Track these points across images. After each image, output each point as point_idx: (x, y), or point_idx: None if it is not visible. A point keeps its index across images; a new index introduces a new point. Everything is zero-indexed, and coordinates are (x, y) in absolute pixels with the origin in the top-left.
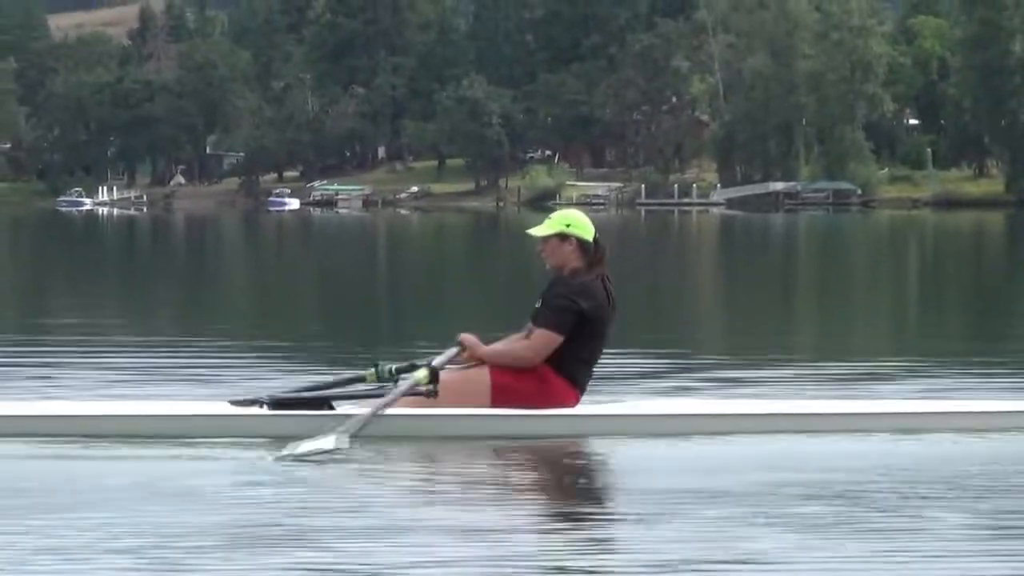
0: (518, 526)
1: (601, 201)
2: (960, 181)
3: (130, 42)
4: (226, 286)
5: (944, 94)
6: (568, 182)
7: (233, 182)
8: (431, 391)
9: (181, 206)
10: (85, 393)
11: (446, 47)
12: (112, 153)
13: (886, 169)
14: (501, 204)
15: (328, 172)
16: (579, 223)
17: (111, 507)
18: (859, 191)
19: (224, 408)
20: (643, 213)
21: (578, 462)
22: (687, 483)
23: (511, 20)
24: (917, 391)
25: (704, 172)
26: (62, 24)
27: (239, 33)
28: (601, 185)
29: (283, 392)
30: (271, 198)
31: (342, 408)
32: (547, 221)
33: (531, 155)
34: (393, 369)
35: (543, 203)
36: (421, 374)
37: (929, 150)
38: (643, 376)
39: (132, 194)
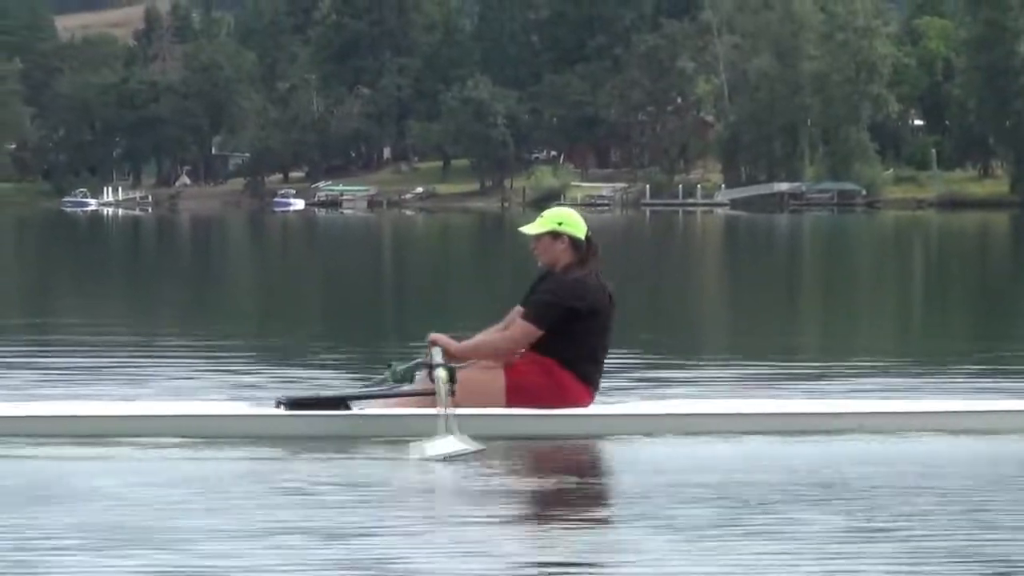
0: (514, 533)
1: (606, 202)
2: (965, 182)
3: (135, 43)
4: (232, 287)
5: (949, 95)
6: (573, 182)
7: (238, 183)
8: (451, 390)
9: (186, 207)
10: (94, 394)
11: (451, 48)
12: (117, 154)
13: (891, 170)
14: (506, 205)
15: (333, 173)
16: (571, 221)
17: (133, 508)
18: (864, 192)
19: (242, 408)
20: (648, 214)
21: (585, 461)
22: (695, 480)
23: (516, 21)
24: (919, 392)
25: (709, 173)
26: (69, 25)
27: (245, 34)
28: (606, 186)
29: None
30: (276, 199)
31: (359, 408)
32: (539, 219)
33: (536, 156)
34: (404, 369)
35: (548, 204)
36: (444, 374)
37: (934, 151)
38: (651, 377)
39: (137, 195)
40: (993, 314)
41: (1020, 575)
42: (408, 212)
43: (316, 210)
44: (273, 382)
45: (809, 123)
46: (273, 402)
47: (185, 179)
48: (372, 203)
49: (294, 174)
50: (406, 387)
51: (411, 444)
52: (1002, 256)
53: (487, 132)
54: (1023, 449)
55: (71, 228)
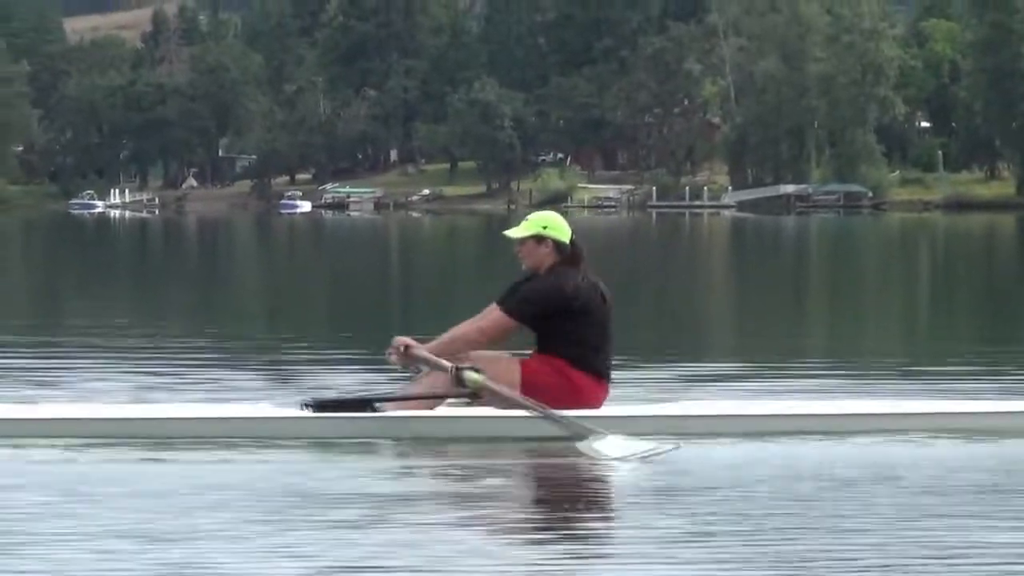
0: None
1: (612, 204)
2: (971, 184)
3: (143, 45)
4: (240, 290)
5: (955, 97)
6: (579, 184)
7: (245, 185)
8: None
9: (193, 209)
10: (113, 396)
11: (458, 50)
12: (124, 156)
13: (897, 172)
14: (513, 207)
15: (340, 175)
16: (556, 225)
17: (163, 509)
18: (870, 194)
19: (268, 410)
20: (654, 216)
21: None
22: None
23: (523, 23)
24: (928, 393)
25: (715, 175)
26: (77, 27)
27: (252, 36)
28: (612, 188)
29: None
30: (283, 201)
31: (386, 410)
32: (524, 223)
33: (543, 158)
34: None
35: (555, 206)
36: (479, 376)
37: (940, 153)
38: (660, 377)
39: (144, 197)
40: (1000, 316)
41: None
42: (415, 214)
43: (323, 212)
44: (288, 384)
45: (815, 125)
46: (298, 404)
47: (192, 181)
48: (379, 205)
49: (301, 176)
50: (414, 387)
51: (588, 445)
52: (1009, 258)
53: (494, 134)
54: None
55: (78, 230)
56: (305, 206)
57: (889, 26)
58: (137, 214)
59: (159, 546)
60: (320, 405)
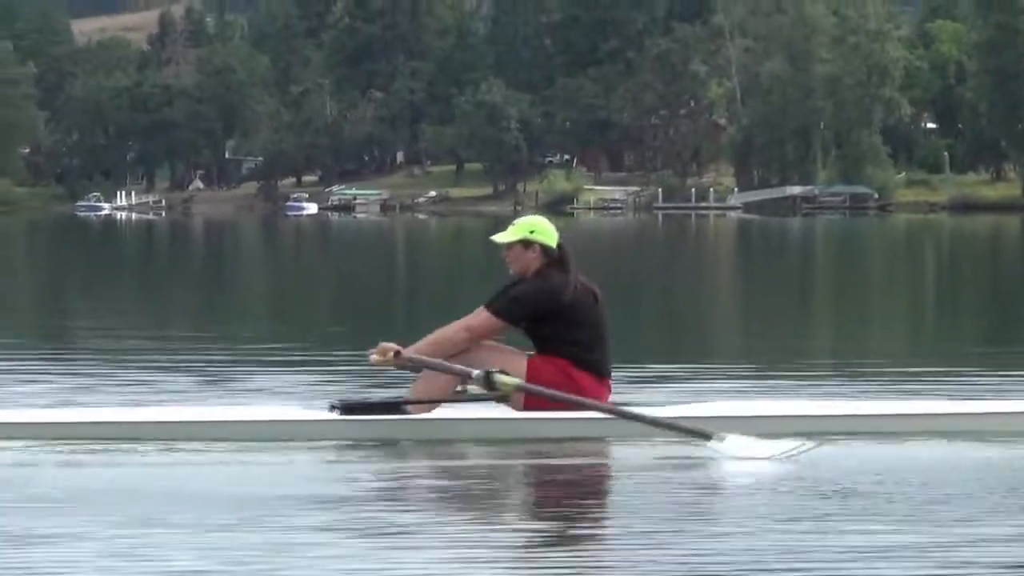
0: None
1: (618, 205)
2: (977, 185)
3: (149, 47)
4: (248, 292)
5: (961, 98)
6: (586, 186)
7: (252, 187)
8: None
9: (200, 211)
10: (136, 400)
11: (464, 52)
12: (131, 158)
13: (903, 173)
14: (519, 208)
15: (346, 177)
16: (543, 229)
17: (196, 510)
18: (876, 195)
19: (296, 413)
20: (660, 217)
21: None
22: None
23: (529, 25)
24: (935, 394)
25: (721, 176)
26: (85, 29)
27: (258, 38)
28: (618, 189)
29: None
30: (289, 203)
31: (413, 412)
32: (511, 227)
33: (549, 159)
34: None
35: (561, 207)
36: (512, 378)
37: (946, 154)
38: (669, 378)
39: (151, 199)
40: (1006, 316)
41: None
42: (421, 216)
43: (329, 214)
44: (303, 386)
45: (821, 126)
46: (327, 406)
47: (198, 183)
48: (385, 207)
49: (307, 178)
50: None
51: (716, 446)
52: (1015, 259)
53: (500, 136)
54: None
55: (84, 232)
56: (311, 208)
57: (895, 27)
58: (143, 216)
59: (210, 547)
60: (348, 407)
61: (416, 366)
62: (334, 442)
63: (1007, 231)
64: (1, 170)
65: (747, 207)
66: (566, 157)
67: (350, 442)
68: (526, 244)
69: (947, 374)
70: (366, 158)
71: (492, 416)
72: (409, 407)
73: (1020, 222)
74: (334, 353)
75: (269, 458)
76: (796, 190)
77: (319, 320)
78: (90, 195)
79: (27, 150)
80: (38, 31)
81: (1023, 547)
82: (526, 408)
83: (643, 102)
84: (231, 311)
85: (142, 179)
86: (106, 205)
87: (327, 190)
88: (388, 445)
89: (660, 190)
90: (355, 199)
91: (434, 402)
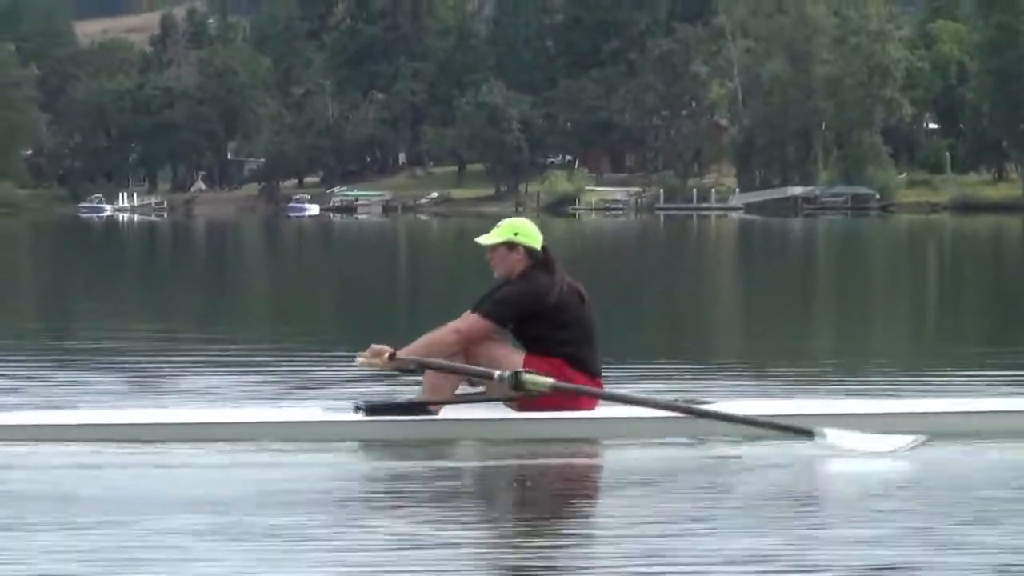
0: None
1: (620, 206)
2: (979, 185)
3: (151, 48)
4: (252, 293)
5: (963, 98)
6: (587, 187)
7: (253, 188)
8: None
9: (202, 212)
10: (161, 401)
11: (466, 53)
12: (133, 159)
13: (905, 173)
14: (520, 210)
15: (348, 178)
16: (527, 231)
17: (228, 511)
18: (878, 195)
19: (321, 414)
20: (662, 218)
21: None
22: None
23: (531, 26)
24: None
25: (723, 177)
26: (88, 31)
27: (260, 39)
28: (620, 190)
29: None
30: (291, 204)
31: (445, 413)
32: (495, 230)
33: (551, 160)
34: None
35: (562, 208)
36: (545, 378)
37: (948, 154)
38: (669, 379)
39: (153, 200)
40: (1008, 317)
41: None
42: (423, 217)
43: (331, 215)
44: (309, 388)
45: (823, 127)
46: (351, 407)
47: (200, 184)
48: (387, 208)
49: (309, 179)
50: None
51: (826, 443)
52: (1017, 259)
53: (502, 137)
54: None
55: (87, 234)
56: (313, 209)
57: (896, 28)
58: (146, 217)
59: (240, 549)
60: (372, 408)
61: (406, 367)
62: (359, 443)
63: (1009, 231)
64: (3, 172)
65: (748, 208)
66: (568, 158)
67: (376, 442)
68: (510, 246)
69: (954, 373)
70: (368, 159)
71: (520, 417)
72: (432, 407)
73: (1022, 222)
74: (335, 354)
75: (290, 459)
76: (797, 191)
77: (321, 322)
78: (92, 197)
79: (29, 152)
80: (42, 34)
81: None
82: (523, 406)
83: (645, 103)
84: (233, 313)
85: (144, 181)
86: (108, 207)
87: (329, 191)
88: (413, 446)
89: (662, 191)
90: (357, 200)
91: (463, 401)
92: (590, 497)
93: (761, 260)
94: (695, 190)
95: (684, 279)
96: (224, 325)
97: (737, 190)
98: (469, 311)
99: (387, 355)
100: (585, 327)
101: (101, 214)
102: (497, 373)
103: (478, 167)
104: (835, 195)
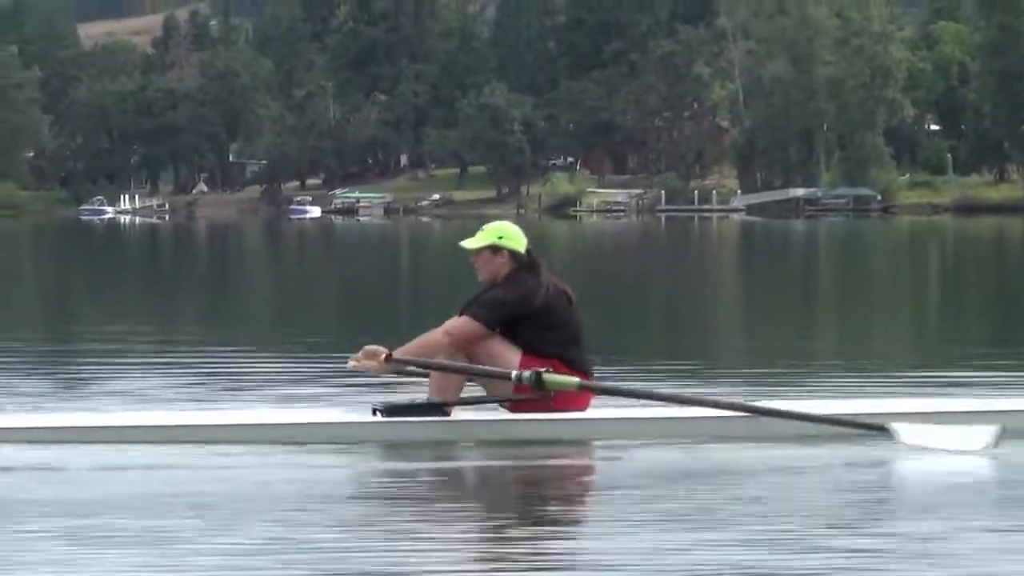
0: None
1: (621, 208)
2: (981, 187)
3: (153, 50)
4: (252, 295)
5: (964, 99)
6: (589, 189)
7: (255, 190)
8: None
9: (203, 214)
10: (164, 404)
11: (468, 55)
12: (135, 161)
13: (906, 175)
14: (522, 211)
15: (350, 180)
16: (511, 235)
17: (268, 512)
18: (879, 197)
19: (338, 415)
20: (663, 219)
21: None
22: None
23: (533, 27)
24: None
25: (724, 178)
26: (91, 33)
27: (262, 41)
28: (621, 192)
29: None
30: (292, 206)
31: (460, 415)
32: (479, 233)
33: (553, 162)
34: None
35: (564, 210)
36: (571, 378)
37: (949, 155)
38: (671, 378)
39: (154, 202)
40: (1010, 318)
41: None
42: (424, 219)
43: (332, 217)
44: (319, 387)
45: (824, 128)
46: (369, 409)
47: (202, 186)
48: (388, 210)
49: (311, 181)
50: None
51: (909, 438)
52: (1019, 261)
53: (503, 139)
54: None
55: (88, 236)
56: (315, 211)
57: (898, 29)
58: (148, 220)
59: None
60: (390, 410)
61: (400, 369)
62: (376, 444)
63: (1011, 233)
64: (6, 174)
65: (750, 209)
66: (569, 160)
67: (394, 444)
68: (495, 250)
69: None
70: (369, 161)
71: (549, 418)
72: (447, 408)
73: (1023, 224)
74: (334, 354)
75: (309, 460)
76: (799, 192)
77: (322, 323)
78: (94, 199)
79: (31, 154)
80: (45, 36)
81: None
82: (513, 407)
83: (646, 104)
84: (235, 315)
85: (146, 183)
86: (110, 209)
87: (330, 193)
88: (436, 447)
89: (663, 192)
90: (358, 202)
91: (483, 401)
92: (604, 496)
93: (763, 262)
94: (697, 192)
95: (686, 281)
96: (225, 327)
97: (739, 192)
98: (458, 314)
99: (383, 356)
100: (572, 328)
101: (103, 216)
102: (515, 373)
103: (480, 169)
104: (837, 197)
